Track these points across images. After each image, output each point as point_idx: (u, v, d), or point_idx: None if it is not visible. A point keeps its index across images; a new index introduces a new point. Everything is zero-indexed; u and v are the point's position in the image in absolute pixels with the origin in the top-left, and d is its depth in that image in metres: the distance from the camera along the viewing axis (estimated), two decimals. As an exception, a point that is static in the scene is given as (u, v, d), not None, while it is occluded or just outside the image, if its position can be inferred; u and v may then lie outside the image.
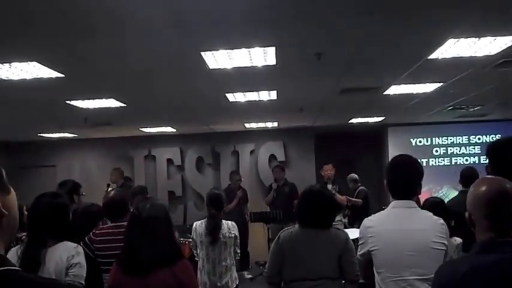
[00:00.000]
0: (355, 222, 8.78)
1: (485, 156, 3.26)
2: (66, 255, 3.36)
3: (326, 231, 3.96)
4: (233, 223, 5.55)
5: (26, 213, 5.09)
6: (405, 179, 3.36)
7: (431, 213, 3.34)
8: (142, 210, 3.23)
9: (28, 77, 5.78)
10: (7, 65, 5.33)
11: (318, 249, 3.89)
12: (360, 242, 3.44)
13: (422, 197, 4.88)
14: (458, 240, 4.71)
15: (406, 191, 3.35)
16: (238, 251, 5.63)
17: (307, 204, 4.05)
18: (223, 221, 5.47)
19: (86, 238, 4.21)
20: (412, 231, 3.18)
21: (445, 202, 5.20)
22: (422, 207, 4.71)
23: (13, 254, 3.42)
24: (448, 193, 12.41)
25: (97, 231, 4.26)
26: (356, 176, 10.50)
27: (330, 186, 8.57)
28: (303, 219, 4.04)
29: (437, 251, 3.13)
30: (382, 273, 3.25)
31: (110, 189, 9.98)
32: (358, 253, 3.48)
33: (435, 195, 10.72)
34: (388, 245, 3.24)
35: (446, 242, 3.18)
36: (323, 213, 4.00)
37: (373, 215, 3.53)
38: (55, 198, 3.67)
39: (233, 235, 5.43)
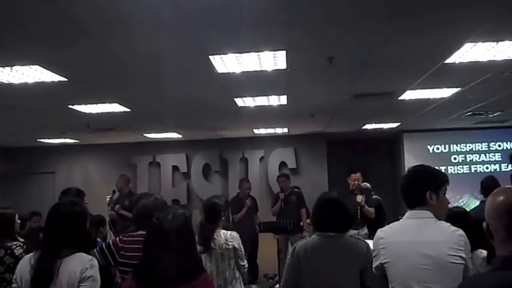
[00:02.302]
0: (370, 234, 8.65)
1: (506, 164, 3.22)
2: (79, 267, 3.33)
3: (344, 239, 3.99)
4: (233, 233, 5.41)
5: (18, 221, 5.15)
6: (410, 187, 3.39)
7: (448, 224, 3.26)
8: (164, 220, 3.14)
9: (30, 80, 5.87)
10: (8, 68, 5.42)
11: (337, 262, 3.89)
12: (373, 255, 3.44)
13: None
14: (484, 252, 4.52)
15: (414, 200, 3.34)
16: (243, 263, 5.45)
17: (321, 208, 4.14)
18: (222, 231, 5.36)
19: (110, 242, 4.20)
20: (424, 244, 3.14)
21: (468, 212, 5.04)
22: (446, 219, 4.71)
23: (25, 263, 3.44)
24: (469, 202, 12.38)
25: (125, 238, 4.20)
26: (368, 184, 10.38)
27: (359, 198, 8.43)
28: (319, 223, 4.11)
29: (453, 265, 3.06)
30: (394, 287, 3.23)
31: (115, 196, 10.07)
32: (373, 266, 3.44)
33: (455, 204, 10.66)
34: (399, 258, 3.22)
35: (464, 255, 3.08)
36: (336, 214, 4.05)
37: (386, 226, 3.51)
38: (73, 207, 3.63)
39: (231, 246, 5.29)
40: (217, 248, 5.26)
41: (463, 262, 3.06)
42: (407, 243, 3.22)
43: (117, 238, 4.24)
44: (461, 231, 3.17)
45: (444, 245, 3.09)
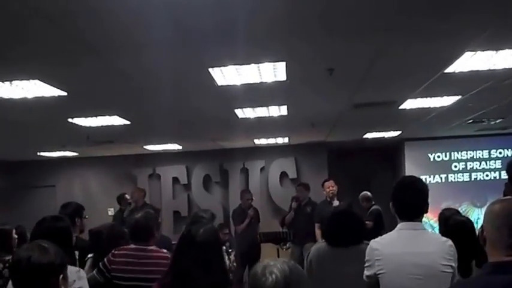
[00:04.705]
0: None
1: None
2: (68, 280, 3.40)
3: (356, 248, 4.03)
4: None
5: (15, 236, 5.17)
6: (410, 199, 3.42)
7: (439, 235, 3.47)
8: (196, 234, 3.15)
9: (29, 95, 5.89)
10: (8, 83, 5.43)
11: (349, 269, 3.92)
12: (366, 264, 3.49)
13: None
14: None
15: (413, 212, 3.41)
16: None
17: (333, 225, 4.21)
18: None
19: (105, 259, 4.27)
20: (419, 254, 3.24)
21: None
22: (440, 222, 4.78)
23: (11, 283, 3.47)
24: (468, 210, 12.42)
25: (116, 252, 4.28)
26: (369, 194, 10.29)
27: (336, 204, 8.51)
28: (330, 239, 4.18)
29: (445, 274, 3.19)
30: None
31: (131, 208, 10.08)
32: (365, 274, 3.50)
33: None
34: (394, 269, 3.30)
35: (453, 264, 3.22)
36: (349, 231, 4.13)
37: (380, 237, 3.60)
38: (56, 222, 3.70)
39: None
40: None
41: (452, 271, 3.21)
42: (402, 254, 3.31)
43: (111, 253, 4.33)
44: (450, 242, 3.32)
45: (437, 255, 3.24)
